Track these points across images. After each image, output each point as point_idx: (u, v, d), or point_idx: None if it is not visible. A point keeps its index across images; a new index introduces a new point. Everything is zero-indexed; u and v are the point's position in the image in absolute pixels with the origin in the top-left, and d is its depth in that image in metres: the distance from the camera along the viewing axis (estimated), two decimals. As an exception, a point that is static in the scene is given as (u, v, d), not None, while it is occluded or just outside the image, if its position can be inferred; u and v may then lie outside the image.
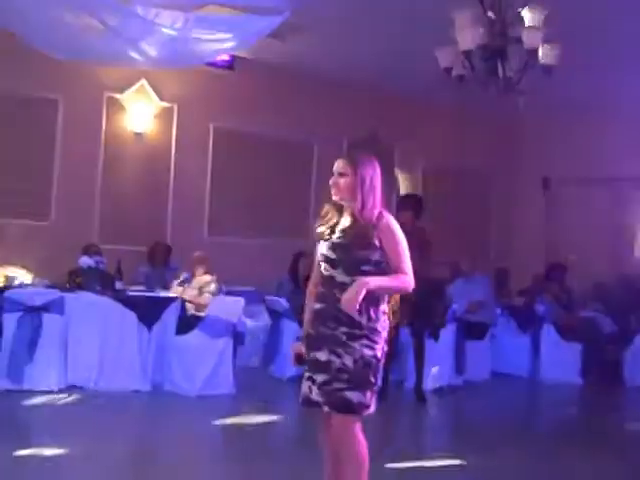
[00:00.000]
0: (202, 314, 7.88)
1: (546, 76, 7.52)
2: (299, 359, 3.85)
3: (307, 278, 8.89)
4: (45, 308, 7.19)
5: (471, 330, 9.23)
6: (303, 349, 3.83)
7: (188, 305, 8.06)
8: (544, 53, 7.35)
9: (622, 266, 11.69)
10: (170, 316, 7.78)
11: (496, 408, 8.35)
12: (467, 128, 12.26)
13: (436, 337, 8.55)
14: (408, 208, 7.86)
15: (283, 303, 8.78)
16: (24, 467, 5.05)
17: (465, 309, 9.23)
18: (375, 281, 3.64)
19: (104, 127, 9.81)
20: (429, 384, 8.32)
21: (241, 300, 7.87)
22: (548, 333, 9.96)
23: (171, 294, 8.06)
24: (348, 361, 3.64)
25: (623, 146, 11.64)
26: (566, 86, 9.98)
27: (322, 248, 3.80)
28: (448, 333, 8.75)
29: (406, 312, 7.41)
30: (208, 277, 8.24)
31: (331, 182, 3.79)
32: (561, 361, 9.79)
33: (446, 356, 8.81)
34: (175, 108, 10.26)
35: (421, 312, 7.88)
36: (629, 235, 12.30)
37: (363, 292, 3.58)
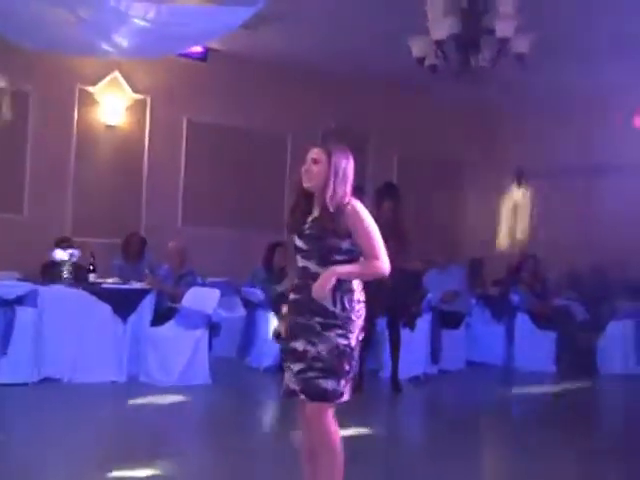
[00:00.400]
0: (177, 305, 7.87)
1: (519, 65, 7.59)
2: (277, 335, 3.91)
3: (282, 269, 8.99)
4: (18, 301, 7.14)
5: (446, 319, 9.28)
6: (282, 327, 3.86)
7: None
8: (516, 42, 7.41)
9: (596, 255, 11.79)
10: (145, 308, 7.77)
11: (470, 396, 8.42)
12: (442, 117, 12.30)
13: (412, 326, 8.58)
14: (388, 198, 7.85)
15: (258, 294, 8.78)
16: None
17: (440, 299, 9.27)
18: (345, 268, 3.67)
19: (76, 120, 9.74)
20: (404, 373, 8.34)
21: (216, 291, 7.86)
22: (522, 322, 10.04)
23: (146, 286, 8.03)
24: (323, 350, 3.65)
25: (597, 135, 11.74)
26: (540, 75, 10.07)
27: (295, 240, 3.80)
28: (423, 322, 8.78)
29: (382, 302, 7.43)
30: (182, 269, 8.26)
31: (304, 169, 3.77)
32: (535, 349, 9.88)
33: (421, 345, 8.84)
34: (148, 100, 10.21)
35: (398, 302, 7.91)
36: (603, 224, 12.39)
37: (333, 280, 3.61)
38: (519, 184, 13.30)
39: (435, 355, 9.09)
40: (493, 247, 13.12)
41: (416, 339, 8.63)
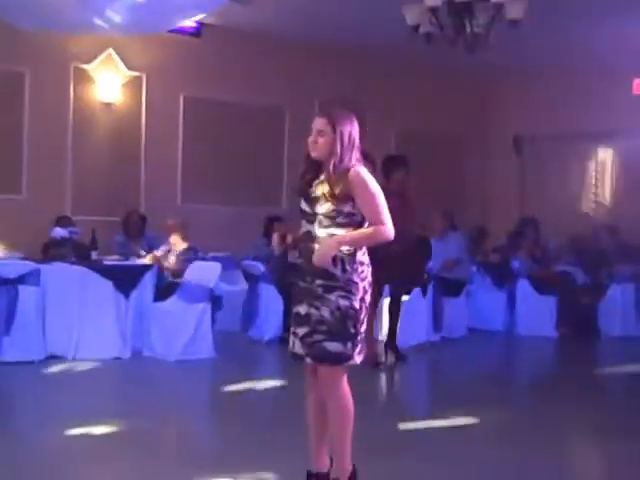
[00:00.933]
0: (179, 280, 7.90)
1: (513, 30, 7.58)
2: (282, 237, 3.90)
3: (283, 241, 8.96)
4: (21, 280, 7.16)
5: (448, 287, 9.32)
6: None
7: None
8: (510, 7, 7.40)
9: (594, 220, 11.82)
10: (147, 283, 7.80)
11: (473, 361, 8.49)
12: (438, 88, 12.28)
13: (425, 293, 8.64)
14: (398, 169, 7.82)
15: (259, 267, 8.82)
16: None
17: (441, 267, 9.30)
18: (348, 237, 3.68)
19: (72, 98, 9.72)
20: (408, 341, 8.38)
21: (217, 265, 7.89)
22: (523, 288, 10.09)
23: (147, 261, 8.06)
24: (325, 313, 3.68)
25: (592, 101, 11.71)
26: (534, 41, 10.04)
27: (301, 203, 3.83)
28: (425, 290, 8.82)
29: (390, 270, 7.45)
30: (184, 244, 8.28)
31: (310, 140, 3.78)
32: (537, 315, 9.95)
33: (424, 313, 8.89)
34: (143, 77, 10.18)
35: (405, 270, 7.92)
36: (600, 189, 12.42)
37: (336, 248, 3.63)
38: (517, 151, 13.30)
39: (437, 323, 9.14)
40: (493, 215, 13.11)
41: (418, 307, 8.68)
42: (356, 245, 3.73)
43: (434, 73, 11.88)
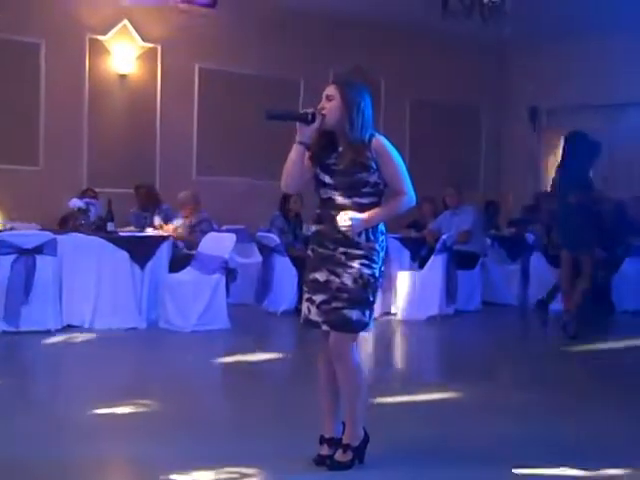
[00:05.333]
0: (194, 252, 7.95)
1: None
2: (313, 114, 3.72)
3: (297, 215, 9.02)
4: (38, 250, 7.22)
5: (462, 260, 9.31)
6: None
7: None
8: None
9: (615, 194, 11.73)
10: (162, 254, 7.86)
11: (487, 333, 8.51)
12: (454, 60, 12.22)
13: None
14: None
15: (274, 238, 8.84)
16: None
17: (455, 239, 9.28)
18: (377, 217, 3.73)
19: (88, 70, 9.75)
20: (420, 313, 8.41)
21: (232, 236, 7.92)
22: (538, 261, 10.06)
23: (162, 233, 8.12)
24: (347, 280, 3.70)
25: (611, 72, 11.60)
26: (551, 11, 9.94)
27: (319, 174, 3.81)
28: (438, 262, 8.82)
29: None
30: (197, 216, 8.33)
31: (319, 108, 3.77)
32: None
33: (437, 285, 8.90)
34: (159, 49, 10.19)
35: None
36: (621, 162, 12.30)
37: (364, 228, 3.69)
38: (533, 123, 13.22)
39: (451, 295, 9.14)
40: (508, 187, 13.06)
41: (431, 279, 8.69)
42: (382, 221, 3.79)
43: (449, 45, 11.79)
